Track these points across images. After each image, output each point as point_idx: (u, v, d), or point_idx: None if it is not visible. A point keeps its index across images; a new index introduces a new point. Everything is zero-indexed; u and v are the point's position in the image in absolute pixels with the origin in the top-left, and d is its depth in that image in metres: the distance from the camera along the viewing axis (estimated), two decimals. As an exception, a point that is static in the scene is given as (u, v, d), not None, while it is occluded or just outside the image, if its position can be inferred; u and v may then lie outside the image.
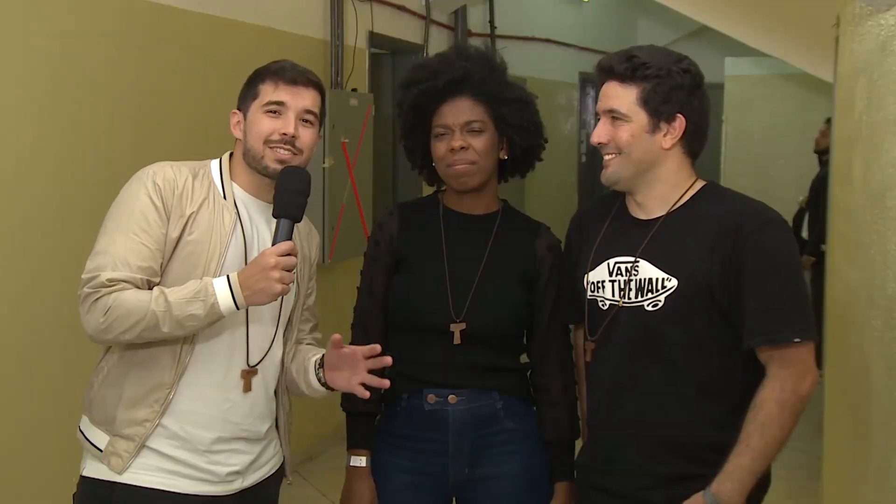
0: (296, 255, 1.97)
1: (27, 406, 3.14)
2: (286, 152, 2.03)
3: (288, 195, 2.00)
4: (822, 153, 6.32)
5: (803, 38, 5.24)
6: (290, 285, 1.97)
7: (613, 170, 2.03)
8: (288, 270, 1.93)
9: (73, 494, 2.09)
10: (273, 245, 1.95)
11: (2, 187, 3.02)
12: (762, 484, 1.99)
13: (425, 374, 2.26)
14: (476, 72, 2.25)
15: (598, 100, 2.06)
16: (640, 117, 1.99)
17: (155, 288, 1.93)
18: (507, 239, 2.30)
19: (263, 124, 2.03)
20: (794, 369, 1.93)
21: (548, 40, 8.28)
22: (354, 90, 5.07)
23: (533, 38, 7.96)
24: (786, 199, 6.55)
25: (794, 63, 5.93)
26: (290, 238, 1.97)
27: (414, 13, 6.06)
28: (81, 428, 2.07)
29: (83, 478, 2.05)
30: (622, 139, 2.00)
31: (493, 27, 7.26)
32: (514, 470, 2.26)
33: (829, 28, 3.48)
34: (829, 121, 6.44)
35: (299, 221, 2.03)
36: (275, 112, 2.04)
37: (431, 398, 2.24)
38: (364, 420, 2.33)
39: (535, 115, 2.30)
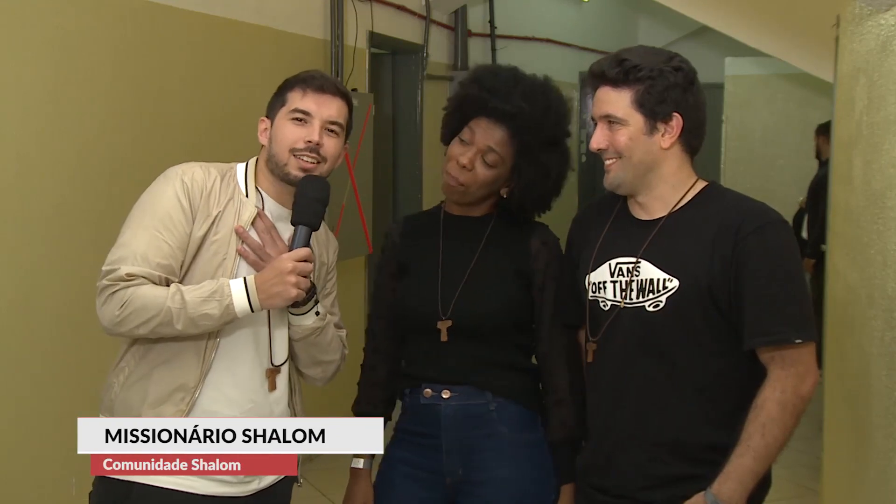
0: (312, 262, 1.99)
1: (27, 405, 3.13)
2: (310, 161, 2.04)
3: (307, 203, 2.03)
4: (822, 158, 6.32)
5: (803, 38, 5.24)
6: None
7: (615, 174, 2.03)
8: (304, 276, 1.96)
9: (90, 493, 2.08)
10: (291, 251, 1.98)
11: (3, 186, 3.02)
12: (763, 484, 1.99)
13: (421, 370, 2.29)
14: (527, 116, 2.22)
15: (593, 106, 2.06)
16: (637, 120, 1.99)
17: (172, 285, 1.94)
18: (501, 237, 2.31)
19: (289, 131, 2.05)
20: (795, 370, 1.93)
21: (548, 40, 8.27)
22: (354, 90, 5.07)
23: (533, 38, 7.95)
24: (786, 199, 6.55)
25: (794, 63, 5.93)
26: (307, 245, 2.00)
27: (414, 13, 6.05)
28: None
29: (100, 477, 2.03)
30: (620, 143, 2.00)
31: (493, 27, 7.25)
32: (506, 477, 2.25)
33: (829, 28, 3.48)
34: (819, 128, 6.45)
35: (317, 229, 2.06)
36: (300, 120, 2.05)
37: (427, 392, 2.27)
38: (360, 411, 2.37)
39: (551, 187, 2.30)
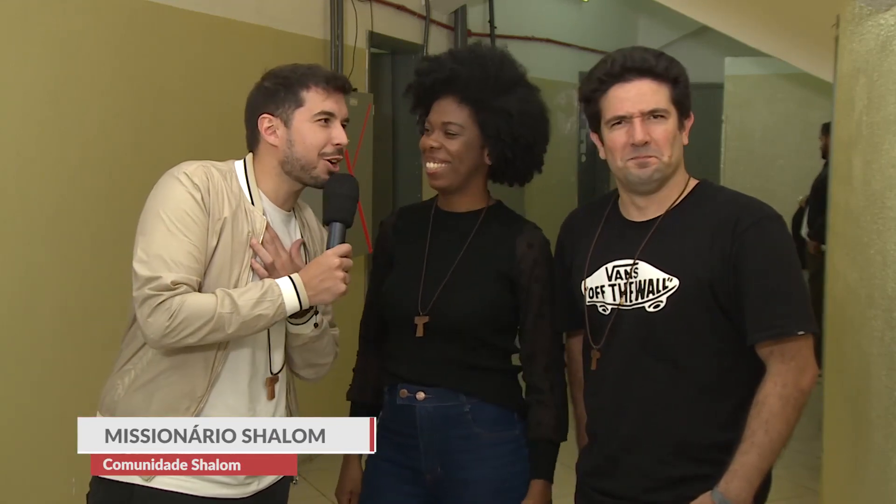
0: (350, 258, 2.01)
1: (27, 405, 3.13)
2: (336, 162, 2.07)
3: (340, 200, 2.05)
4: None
5: (803, 38, 5.24)
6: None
7: (655, 168, 1.99)
8: (346, 272, 1.99)
9: (87, 494, 2.07)
10: (329, 248, 2.01)
11: (3, 186, 3.02)
12: (764, 483, 1.99)
13: (397, 367, 2.30)
14: (463, 74, 2.26)
15: (625, 100, 1.98)
16: (674, 115, 2.01)
17: (219, 290, 1.93)
18: (488, 236, 2.31)
19: (317, 135, 2.04)
20: (794, 364, 1.93)
21: (548, 40, 8.26)
22: (354, 90, 5.07)
23: (533, 38, 7.95)
24: (786, 199, 6.55)
25: (794, 63, 5.93)
26: (344, 241, 2.02)
27: (414, 13, 6.05)
28: None
29: (99, 479, 2.02)
30: (666, 137, 1.98)
31: (492, 27, 7.24)
32: (484, 477, 2.25)
33: (829, 28, 3.48)
34: (825, 126, 6.46)
35: (350, 226, 2.07)
36: (326, 121, 2.05)
37: (403, 393, 2.28)
38: (359, 412, 2.40)
39: (519, 128, 2.26)
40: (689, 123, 2.04)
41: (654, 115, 1.98)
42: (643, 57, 2.00)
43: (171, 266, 1.90)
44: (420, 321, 2.25)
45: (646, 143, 1.98)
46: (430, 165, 2.28)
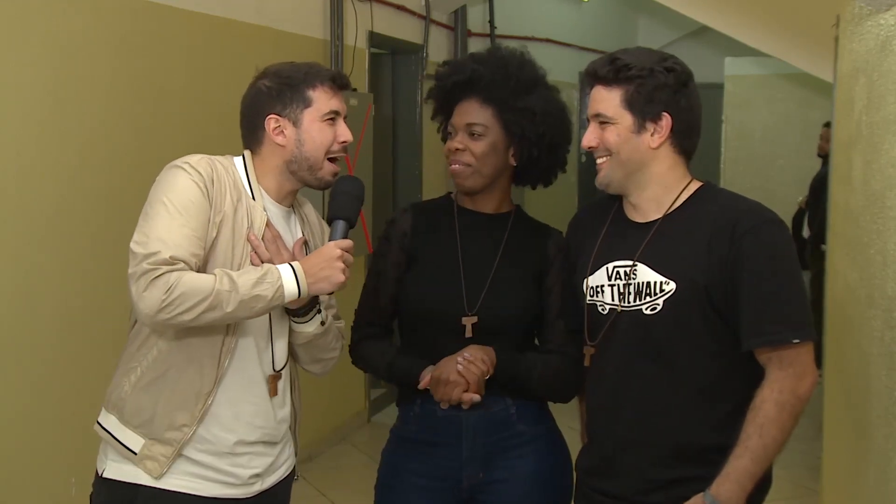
0: (352, 254, 2.01)
1: (28, 405, 3.13)
2: (339, 161, 2.08)
3: (344, 199, 2.06)
4: (827, 157, 6.33)
5: (803, 38, 5.24)
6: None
7: (605, 173, 2.04)
8: (346, 265, 1.99)
9: (91, 495, 2.07)
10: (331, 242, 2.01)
11: (3, 186, 3.02)
12: (763, 485, 1.99)
13: None
14: (485, 75, 2.25)
15: (588, 105, 2.07)
16: (625, 118, 2.00)
17: (217, 269, 1.92)
18: (522, 238, 2.31)
19: (325, 134, 2.05)
20: (792, 370, 1.93)
21: (548, 40, 8.27)
22: (354, 90, 5.08)
23: (533, 38, 7.95)
24: (786, 199, 6.56)
25: (794, 63, 5.94)
26: (346, 237, 2.03)
27: (414, 13, 6.06)
28: (108, 428, 2.02)
29: (103, 479, 2.02)
30: (609, 141, 2.01)
31: (492, 27, 7.25)
32: (525, 471, 2.26)
33: (829, 28, 3.49)
34: (828, 124, 6.46)
35: (353, 226, 2.07)
36: (332, 120, 2.06)
37: (444, 404, 2.21)
38: (404, 363, 2.28)
39: (544, 126, 2.26)
40: (664, 123, 2.00)
41: (599, 120, 2.02)
42: (594, 63, 2.04)
43: (171, 246, 1.88)
44: (468, 321, 2.22)
45: (591, 147, 2.03)
46: (455, 167, 2.26)
